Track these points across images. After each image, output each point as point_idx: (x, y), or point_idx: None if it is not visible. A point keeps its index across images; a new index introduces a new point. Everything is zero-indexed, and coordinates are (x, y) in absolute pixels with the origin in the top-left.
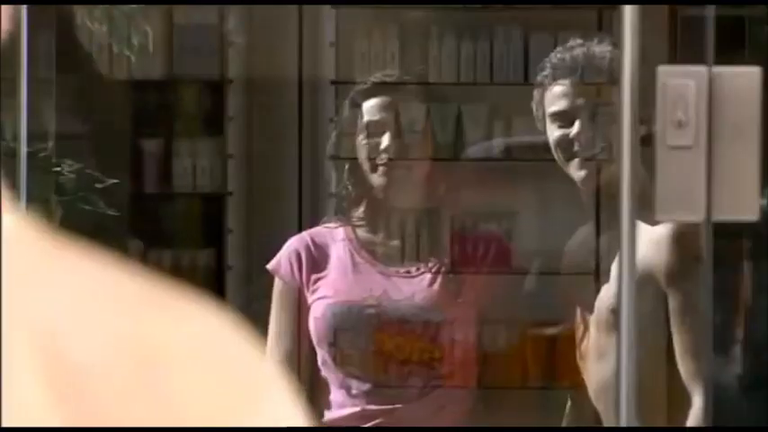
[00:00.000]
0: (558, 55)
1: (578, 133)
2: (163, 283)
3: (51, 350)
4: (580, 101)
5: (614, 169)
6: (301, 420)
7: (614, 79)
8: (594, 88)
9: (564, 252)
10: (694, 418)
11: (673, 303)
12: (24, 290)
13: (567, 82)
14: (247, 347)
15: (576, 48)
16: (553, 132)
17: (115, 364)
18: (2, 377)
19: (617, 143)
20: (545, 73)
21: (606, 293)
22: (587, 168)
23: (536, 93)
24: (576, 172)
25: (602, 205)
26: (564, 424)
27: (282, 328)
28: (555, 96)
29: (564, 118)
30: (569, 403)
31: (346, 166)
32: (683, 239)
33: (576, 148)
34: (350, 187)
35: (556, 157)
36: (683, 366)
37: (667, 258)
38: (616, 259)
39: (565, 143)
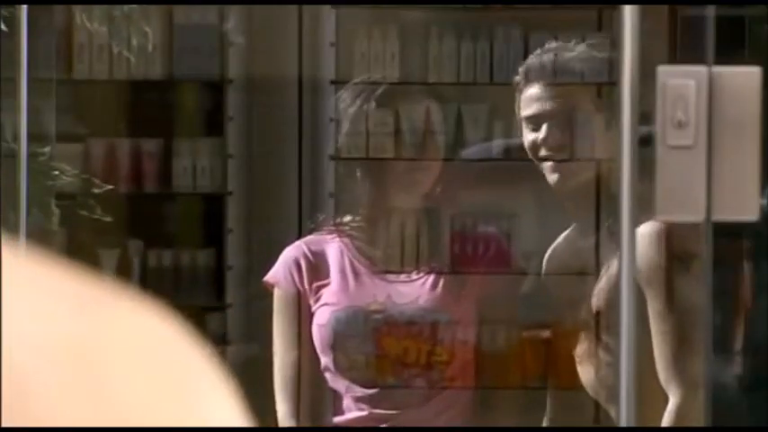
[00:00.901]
0: (532, 58)
1: (545, 137)
2: (100, 282)
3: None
4: (549, 105)
5: (588, 172)
6: (238, 417)
7: (586, 82)
8: (566, 92)
9: (547, 257)
10: (669, 416)
11: (652, 303)
12: None
13: (537, 85)
14: (183, 345)
15: (549, 51)
16: (526, 135)
17: (55, 363)
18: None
19: (591, 146)
20: (518, 77)
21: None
22: (559, 171)
23: (516, 97)
24: (548, 175)
25: (581, 208)
26: (545, 423)
27: (289, 338)
28: (526, 100)
29: (534, 121)
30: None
31: (350, 170)
32: (666, 240)
33: (543, 152)
34: (353, 190)
35: (533, 159)
36: (660, 366)
37: (648, 259)
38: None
39: (534, 147)
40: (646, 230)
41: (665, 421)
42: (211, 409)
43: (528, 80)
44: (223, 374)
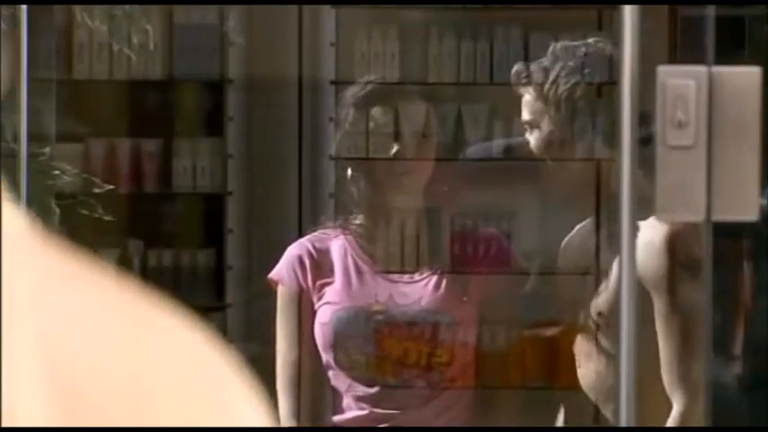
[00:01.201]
0: (520, 65)
1: (536, 141)
2: (147, 295)
3: (56, 360)
4: (539, 109)
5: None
6: (264, 418)
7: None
8: (554, 97)
9: (562, 248)
10: (672, 423)
11: (659, 309)
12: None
13: (529, 89)
14: (223, 363)
15: (539, 61)
16: (526, 137)
17: (112, 378)
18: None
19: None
20: (513, 83)
21: (599, 296)
22: (557, 172)
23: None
24: (550, 175)
25: (601, 204)
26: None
27: (292, 335)
28: (523, 104)
29: (528, 125)
30: (562, 409)
31: (348, 171)
32: (673, 247)
33: (540, 154)
34: (354, 191)
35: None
36: (665, 372)
37: (656, 265)
38: (615, 261)
39: (532, 148)
40: (654, 238)
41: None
42: (244, 415)
43: (520, 85)
44: (249, 379)
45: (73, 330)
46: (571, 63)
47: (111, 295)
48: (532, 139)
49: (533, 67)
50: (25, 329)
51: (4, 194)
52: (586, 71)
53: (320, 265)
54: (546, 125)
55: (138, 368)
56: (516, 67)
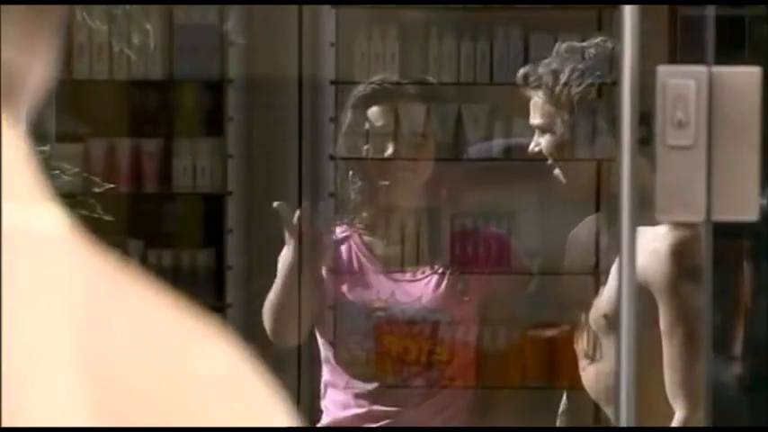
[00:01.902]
0: (528, 68)
1: (548, 144)
2: (190, 314)
3: (101, 375)
4: (550, 112)
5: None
6: (290, 420)
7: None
8: (565, 97)
9: (568, 240)
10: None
11: (664, 315)
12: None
13: (539, 94)
14: (261, 385)
15: (545, 62)
16: (533, 142)
17: (155, 400)
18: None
19: (592, 148)
20: (520, 86)
21: (601, 297)
22: (568, 175)
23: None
24: (559, 178)
25: (602, 205)
26: (559, 423)
27: (293, 247)
28: (531, 108)
29: (539, 129)
30: (564, 400)
31: (351, 172)
32: (679, 255)
33: (550, 158)
34: (355, 191)
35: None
36: (668, 377)
37: (662, 274)
38: (616, 262)
39: (542, 152)
40: (661, 246)
41: None
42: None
43: (529, 90)
44: (274, 387)
45: (112, 336)
46: (581, 65)
47: (153, 303)
48: (544, 142)
49: (541, 68)
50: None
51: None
52: (597, 73)
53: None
54: (559, 128)
55: (181, 387)
56: (524, 70)
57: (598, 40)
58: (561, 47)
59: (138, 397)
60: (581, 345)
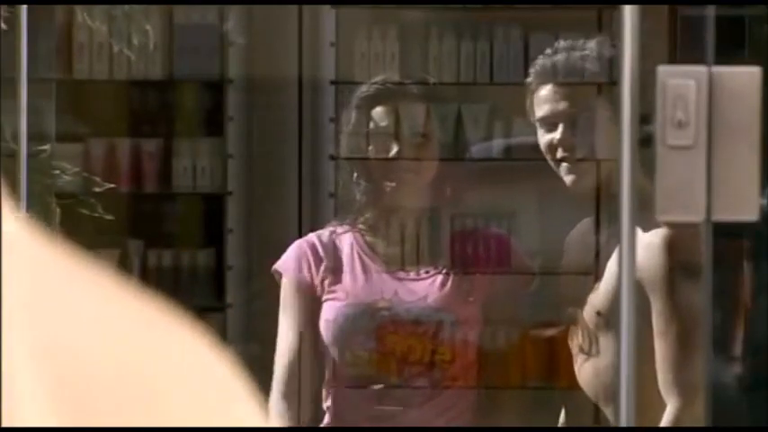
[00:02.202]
0: (541, 60)
1: (561, 139)
2: (148, 297)
3: (58, 362)
4: (563, 105)
5: (605, 170)
6: (262, 418)
7: (598, 82)
8: (578, 92)
9: (565, 243)
10: (666, 423)
11: (656, 310)
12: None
13: (549, 87)
14: (226, 368)
15: (559, 52)
16: (541, 136)
17: (117, 384)
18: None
19: (601, 145)
20: (529, 78)
21: (596, 293)
22: (575, 173)
23: (527, 97)
24: (564, 176)
25: (601, 204)
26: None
27: (296, 323)
28: (539, 101)
29: (548, 123)
30: (563, 411)
31: (355, 173)
32: (672, 249)
33: (560, 153)
34: (358, 191)
35: (548, 159)
36: (660, 373)
37: (655, 267)
38: (611, 260)
39: (551, 148)
40: (654, 239)
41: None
42: (245, 419)
43: (540, 81)
44: (245, 380)
45: (75, 331)
46: (588, 64)
47: (114, 296)
48: (550, 137)
49: (551, 63)
50: (25, 330)
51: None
52: (598, 70)
53: (326, 261)
54: (566, 125)
55: (144, 372)
56: (538, 64)
57: (598, 39)
58: (561, 43)
59: (98, 386)
60: (576, 340)
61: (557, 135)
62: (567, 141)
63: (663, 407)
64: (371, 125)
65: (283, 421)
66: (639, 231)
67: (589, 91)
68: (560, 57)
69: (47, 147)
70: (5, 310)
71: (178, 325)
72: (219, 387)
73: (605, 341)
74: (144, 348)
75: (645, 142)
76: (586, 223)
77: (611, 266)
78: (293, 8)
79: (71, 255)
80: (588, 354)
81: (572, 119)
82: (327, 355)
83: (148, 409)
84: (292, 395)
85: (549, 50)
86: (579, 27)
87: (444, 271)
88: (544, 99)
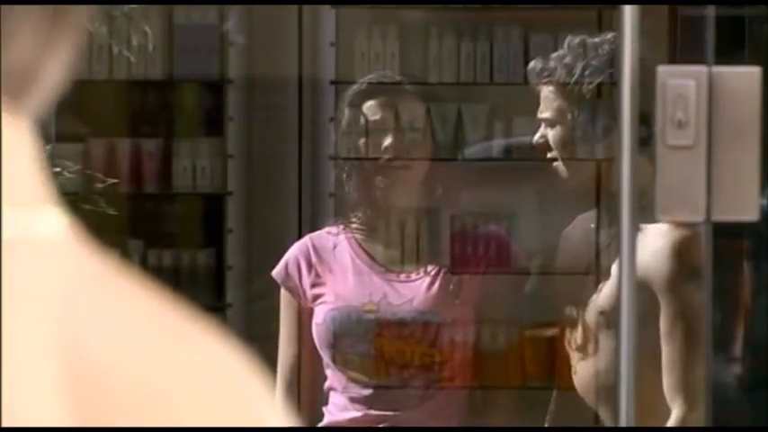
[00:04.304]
0: (533, 63)
1: (555, 138)
2: (183, 312)
3: (77, 367)
4: (561, 106)
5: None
6: (288, 422)
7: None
8: (577, 93)
9: (561, 241)
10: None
11: (665, 312)
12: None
13: (549, 88)
14: (255, 384)
15: (558, 54)
16: (538, 133)
17: (133, 392)
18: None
19: (600, 145)
20: (534, 80)
21: (600, 293)
22: (569, 170)
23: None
24: (557, 173)
25: (602, 203)
26: (547, 422)
27: (290, 334)
28: (541, 101)
29: (547, 122)
30: (553, 400)
31: (345, 169)
32: (683, 251)
33: (553, 152)
34: (351, 189)
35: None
36: (666, 376)
37: (666, 268)
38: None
39: (544, 146)
40: (664, 244)
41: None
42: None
43: (539, 83)
44: (272, 390)
45: (101, 338)
46: (594, 61)
47: (147, 306)
48: (551, 133)
49: (553, 62)
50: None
51: (50, 195)
52: (609, 70)
53: (318, 265)
54: (568, 123)
55: (164, 386)
56: (535, 63)
57: (609, 36)
58: (574, 41)
59: (124, 394)
60: (574, 341)
61: (550, 134)
62: (562, 140)
63: (662, 409)
64: (363, 121)
65: None
66: (647, 234)
67: (588, 91)
68: (565, 59)
69: (47, 147)
70: (33, 312)
71: (214, 345)
72: (250, 404)
73: (605, 342)
74: (166, 363)
75: (645, 142)
76: (585, 219)
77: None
78: (293, 8)
79: (112, 262)
80: (584, 353)
81: (569, 119)
82: (320, 359)
83: (154, 421)
84: (292, 406)
85: (560, 50)
86: (579, 27)
87: (433, 272)
88: (543, 99)
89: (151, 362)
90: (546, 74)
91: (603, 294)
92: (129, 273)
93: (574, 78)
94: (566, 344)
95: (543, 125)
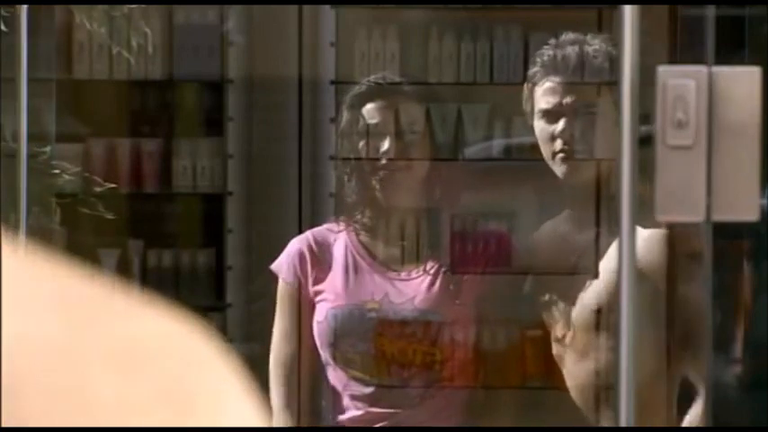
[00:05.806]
0: (550, 52)
1: (562, 131)
2: (100, 283)
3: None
4: (568, 99)
5: (597, 167)
6: (251, 414)
7: (605, 79)
8: (584, 87)
9: (533, 240)
10: (695, 415)
11: (669, 300)
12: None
13: (556, 80)
14: (186, 344)
15: (567, 45)
16: (539, 128)
17: (46, 366)
18: None
19: (602, 142)
20: (536, 69)
21: (587, 293)
22: (569, 165)
23: (526, 88)
24: (558, 167)
25: (588, 203)
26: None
27: (288, 329)
28: (544, 93)
29: (551, 115)
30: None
31: (347, 170)
32: (678, 238)
33: (558, 146)
34: (351, 190)
35: (542, 151)
36: (683, 359)
37: (663, 257)
38: (603, 258)
39: (549, 140)
40: (659, 231)
41: (691, 417)
42: (213, 409)
43: (546, 74)
44: (235, 370)
45: (19, 322)
46: (598, 60)
47: (72, 287)
48: (551, 128)
49: (557, 58)
50: None
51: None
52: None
53: (319, 261)
54: (568, 120)
55: (78, 356)
56: (546, 55)
57: (601, 37)
58: (569, 36)
59: (30, 372)
60: (554, 333)
61: (558, 127)
62: (568, 134)
63: (662, 407)
64: (362, 123)
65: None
66: (639, 228)
67: (594, 87)
68: (570, 50)
69: (47, 148)
70: None
71: (144, 308)
72: (177, 374)
73: (591, 341)
74: (78, 333)
75: (644, 142)
76: (566, 216)
77: (607, 264)
78: (293, 8)
79: (37, 253)
80: (562, 343)
81: (576, 113)
82: (324, 358)
83: (75, 394)
84: (290, 401)
85: (554, 41)
86: (579, 27)
87: (434, 271)
88: (550, 91)
89: (63, 342)
90: (550, 70)
91: (592, 291)
92: (51, 257)
93: (581, 66)
94: (553, 346)
95: (544, 119)
